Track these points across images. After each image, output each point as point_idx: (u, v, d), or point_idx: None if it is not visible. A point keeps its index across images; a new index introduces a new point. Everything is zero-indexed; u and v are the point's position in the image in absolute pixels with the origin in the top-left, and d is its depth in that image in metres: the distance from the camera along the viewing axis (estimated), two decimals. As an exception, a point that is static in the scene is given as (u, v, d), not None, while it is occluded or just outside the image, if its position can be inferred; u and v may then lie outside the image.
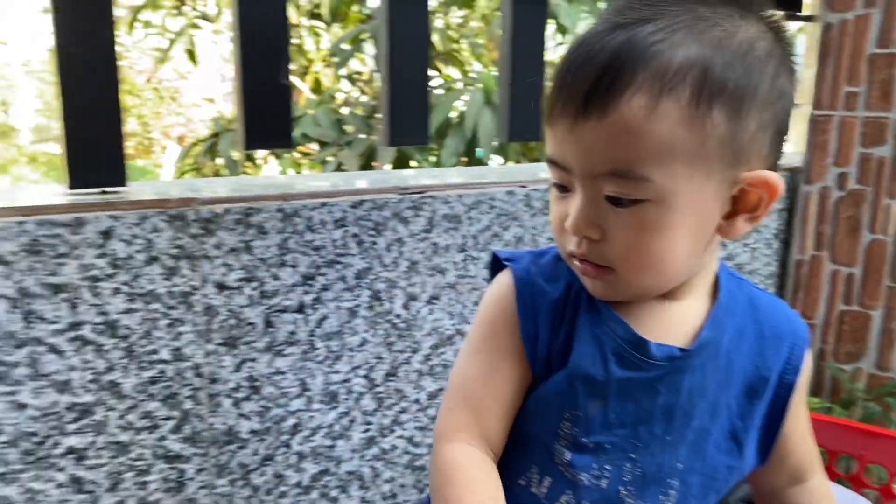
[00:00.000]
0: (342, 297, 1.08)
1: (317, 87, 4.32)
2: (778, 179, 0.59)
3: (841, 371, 1.45)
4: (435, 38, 3.86)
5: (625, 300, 0.65)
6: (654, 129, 0.55)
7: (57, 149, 8.61)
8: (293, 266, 1.04)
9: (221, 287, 0.99)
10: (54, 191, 0.97)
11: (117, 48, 0.94)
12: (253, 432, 1.05)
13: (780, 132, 0.61)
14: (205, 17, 4.29)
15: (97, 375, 0.94)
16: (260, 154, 4.26)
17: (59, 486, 0.94)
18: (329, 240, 1.05)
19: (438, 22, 4.04)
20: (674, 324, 0.66)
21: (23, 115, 8.63)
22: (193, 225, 0.96)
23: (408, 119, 1.13)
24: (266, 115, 1.04)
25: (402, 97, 1.12)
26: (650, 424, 0.66)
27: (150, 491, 1.00)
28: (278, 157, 3.89)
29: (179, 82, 7.55)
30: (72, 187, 0.94)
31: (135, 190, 0.98)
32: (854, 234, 1.42)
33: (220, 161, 3.91)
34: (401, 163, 3.55)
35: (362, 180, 1.18)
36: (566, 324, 0.65)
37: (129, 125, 7.27)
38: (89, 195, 0.95)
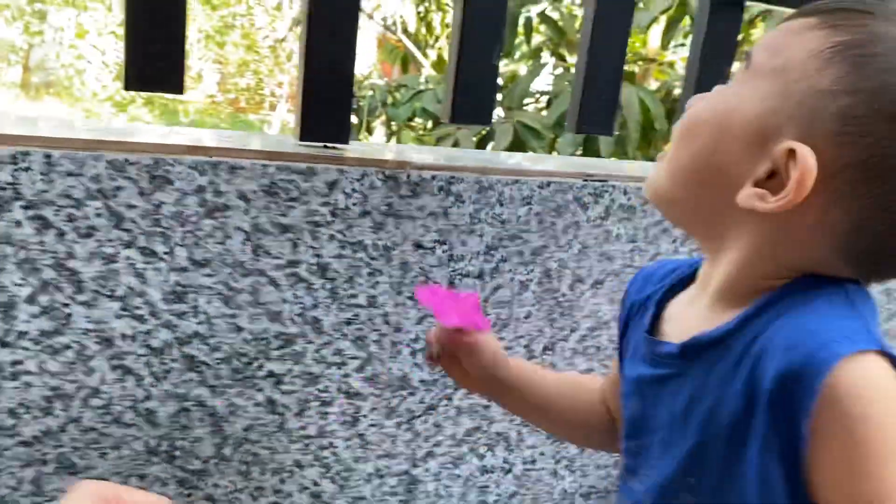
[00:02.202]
0: (517, 270, 1.15)
1: (440, 64, 4.41)
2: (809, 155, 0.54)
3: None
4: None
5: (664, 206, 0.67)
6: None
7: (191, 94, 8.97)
8: (480, 235, 1.11)
9: (418, 246, 1.08)
10: (285, 142, 1.07)
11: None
12: (422, 381, 1.14)
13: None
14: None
15: (303, 310, 1.04)
16: (374, 123, 4.39)
17: (257, 404, 1.05)
18: (514, 215, 1.13)
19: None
20: (693, 320, 0.65)
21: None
22: (404, 186, 1.04)
23: (597, 107, 1.19)
24: (475, 92, 1.11)
25: (596, 85, 1.17)
26: (652, 430, 0.66)
27: (328, 421, 1.10)
28: (397, 130, 4.00)
29: (295, 44, 7.77)
30: (301, 139, 1.04)
31: (353, 149, 1.07)
32: None
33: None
34: (515, 146, 3.61)
35: (550, 163, 1.24)
36: None
37: (246, 79, 7.55)
38: (317, 148, 1.04)
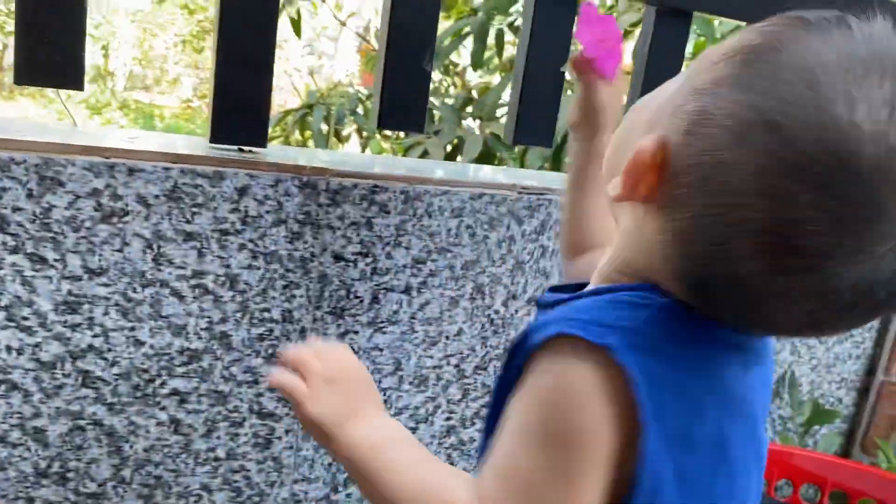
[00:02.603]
0: (447, 285, 1.09)
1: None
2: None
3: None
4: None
5: None
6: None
7: (147, 97, 8.89)
8: (406, 248, 1.05)
9: (338, 258, 1.01)
10: (196, 143, 1.00)
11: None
12: (343, 403, 1.08)
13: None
14: (313, -10, 4.36)
15: (211, 324, 0.97)
16: (346, 132, 4.33)
17: (160, 423, 0.98)
18: (444, 228, 1.07)
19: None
20: None
21: (121, 63, 8.90)
22: (323, 194, 0.98)
23: (535, 119, 1.13)
24: (404, 97, 1.05)
25: (533, 97, 1.12)
26: None
27: (239, 443, 1.03)
28: (366, 137, 3.94)
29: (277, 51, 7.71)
30: (213, 141, 0.98)
31: (271, 153, 1.01)
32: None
33: (308, 133, 3.98)
34: (485, 160, 3.56)
35: (482, 173, 1.19)
36: None
37: (222, 85, 7.45)
38: (229, 151, 0.98)
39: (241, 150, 1.00)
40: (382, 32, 1.03)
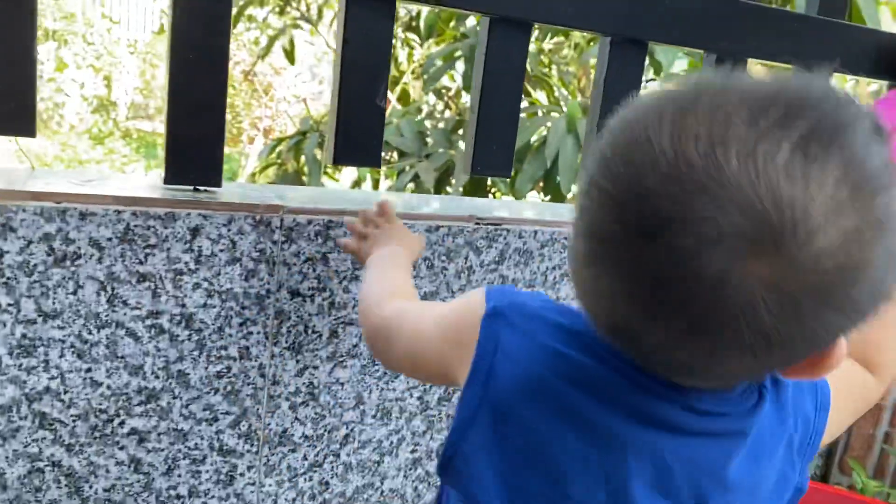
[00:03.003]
0: (407, 318, 1.10)
1: (404, 98, 4.39)
2: None
3: (906, 457, 1.40)
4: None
5: None
6: None
7: (149, 126, 8.97)
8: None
9: (294, 294, 1.02)
10: (151, 183, 1.02)
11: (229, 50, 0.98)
12: (305, 437, 1.08)
13: None
14: (306, 18, 4.41)
15: (167, 363, 0.98)
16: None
17: (119, 463, 0.99)
18: (402, 260, 1.08)
19: (531, 46, 4.06)
20: None
21: (123, 92, 9.00)
22: (277, 231, 0.99)
23: (493, 149, 1.14)
24: (359, 133, 1.07)
25: (490, 127, 1.13)
26: None
27: (201, 480, 1.04)
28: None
29: (273, 77, 7.77)
30: (167, 182, 0.99)
31: (226, 191, 1.02)
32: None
33: (303, 159, 4.00)
34: (476, 183, 3.58)
35: (438, 203, 1.20)
36: None
37: (221, 113, 7.51)
38: (183, 192, 0.99)
39: (196, 189, 1.01)
40: (335, 69, 1.05)
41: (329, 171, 4.33)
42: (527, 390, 0.56)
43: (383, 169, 4.17)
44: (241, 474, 1.06)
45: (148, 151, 8.65)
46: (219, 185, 1.02)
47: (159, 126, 9.29)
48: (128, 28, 9.49)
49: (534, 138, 3.52)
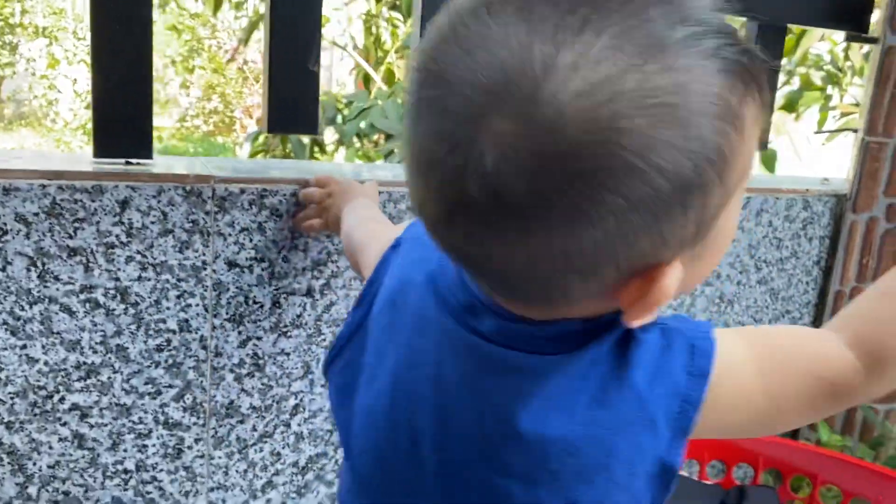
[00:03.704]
0: (352, 286, 1.09)
1: (389, 78, 4.36)
2: None
3: (872, 410, 1.38)
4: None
5: None
6: None
7: (161, 121, 8.96)
8: (304, 251, 1.05)
9: (232, 264, 1.02)
10: (78, 158, 1.01)
11: (152, 29, 0.97)
12: (253, 408, 1.08)
13: None
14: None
15: (105, 338, 0.97)
16: (328, 139, 4.34)
17: (62, 439, 0.99)
18: (343, 227, 1.07)
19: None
20: None
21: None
22: (209, 202, 0.98)
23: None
24: (293, 100, 1.05)
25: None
26: None
27: (148, 454, 1.03)
28: (346, 146, 3.95)
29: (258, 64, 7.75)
30: (96, 156, 0.98)
31: (159, 163, 1.01)
32: (901, 269, 1.35)
33: (289, 146, 3.99)
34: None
35: (386, 171, 1.18)
36: None
37: (213, 103, 7.50)
38: (113, 164, 0.98)
39: (128, 163, 1.00)
40: (265, 35, 1.04)
41: (318, 156, 4.31)
42: (389, 300, 0.62)
43: (372, 151, 4.15)
44: (189, 447, 1.05)
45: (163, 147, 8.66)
46: (149, 157, 1.01)
47: (156, 119, 9.30)
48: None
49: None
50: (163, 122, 8.96)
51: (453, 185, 0.43)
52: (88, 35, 0.96)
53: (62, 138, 8.11)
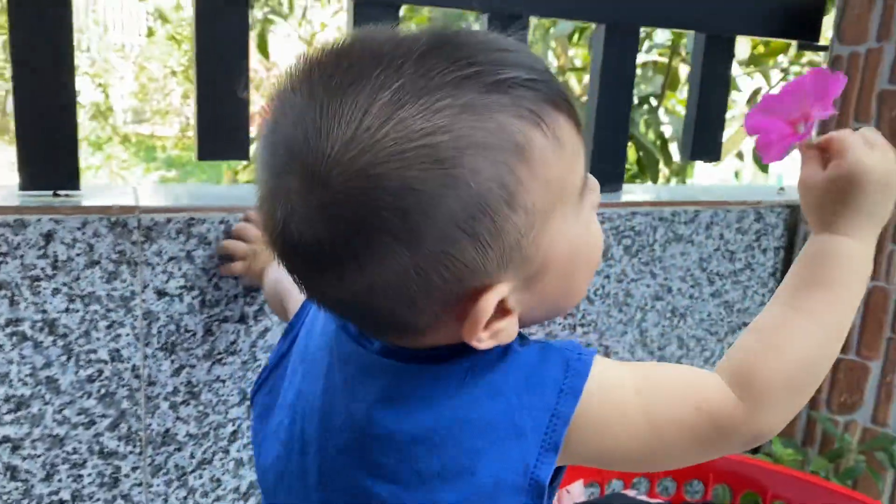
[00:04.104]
0: (288, 311, 1.09)
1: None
2: None
3: (831, 422, 1.37)
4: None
5: None
6: None
7: (148, 129, 9.02)
8: (235, 278, 1.05)
9: (161, 294, 1.02)
10: (7, 191, 1.01)
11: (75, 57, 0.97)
12: (190, 436, 1.08)
13: None
14: (277, 13, 4.39)
15: (34, 370, 0.98)
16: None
17: (-5, 472, 0.99)
18: (276, 253, 1.06)
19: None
20: None
21: (119, 97, 9.04)
22: (135, 232, 0.99)
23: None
24: (222, 127, 1.05)
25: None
26: None
27: (84, 484, 1.04)
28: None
29: (265, 73, 7.76)
30: (22, 188, 0.98)
31: (87, 194, 1.01)
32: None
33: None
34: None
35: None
36: None
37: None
38: (38, 197, 0.99)
39: (55, 194, 1.00)
40: (193, 62, 1.04)
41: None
42: (309, 327, 0.66)
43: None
44: (126, 475, 1.06)
45: (147, 155, 8.70)
46: (77, 187, 1.01)
47: (158, 129, 9.36)
48: (122, 31, 9.55)
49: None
50: (165, 131, 9.03)
51: (275, 228, 0.49)
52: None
53: None
